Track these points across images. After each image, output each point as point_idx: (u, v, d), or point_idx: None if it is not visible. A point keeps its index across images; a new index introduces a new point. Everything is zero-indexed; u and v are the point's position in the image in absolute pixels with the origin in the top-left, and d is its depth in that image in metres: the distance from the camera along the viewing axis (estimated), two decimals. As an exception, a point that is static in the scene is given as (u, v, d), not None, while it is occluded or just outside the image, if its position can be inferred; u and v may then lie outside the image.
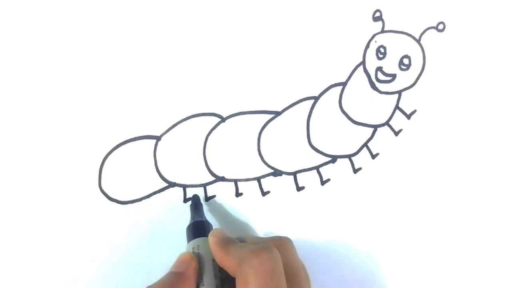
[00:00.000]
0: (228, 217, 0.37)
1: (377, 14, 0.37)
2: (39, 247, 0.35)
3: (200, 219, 0.35)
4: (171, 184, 0.37)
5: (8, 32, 0.33)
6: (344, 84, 0.37)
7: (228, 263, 0.30)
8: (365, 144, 0.38)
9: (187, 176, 0.37)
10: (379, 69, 0.38)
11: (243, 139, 0.37)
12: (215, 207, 0.37)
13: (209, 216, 0.37)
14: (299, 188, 0.38)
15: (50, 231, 0.35)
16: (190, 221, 0.35)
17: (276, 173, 0.38)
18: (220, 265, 0.32)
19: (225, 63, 0.36)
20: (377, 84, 0.38)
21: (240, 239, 0.33)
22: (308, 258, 0.39)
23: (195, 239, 0.33)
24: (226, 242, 0.32)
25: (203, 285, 0.31)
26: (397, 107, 0.38)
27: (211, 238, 0.32)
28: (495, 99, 0.39)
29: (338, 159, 0.38)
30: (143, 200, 0.36)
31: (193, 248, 0.33)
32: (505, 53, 0.38)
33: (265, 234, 0.38)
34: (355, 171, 0.38)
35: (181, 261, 0.32)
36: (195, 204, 0.36)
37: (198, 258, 0.32)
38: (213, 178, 0.37)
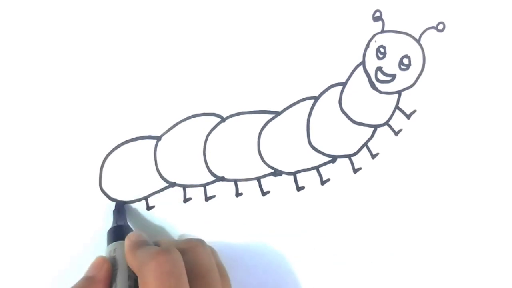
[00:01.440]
0: (228, 217, 0.37)
1: (377, 14, 0.37)
2: (39, 247, 0.35)
3: (121, 224, 0.35)
4: (171, 184, 0.37)
5: (8, 32, 0.33)
6: (344, 84, 0.37)
7: (133, 265, 0.31)
8: (365, 144, 0.38)
9: (187, 176, 0.37)
10: (379, 69, 0.38)
11: (243, 139, 0.37)
12: (215, 207, 0.37)
13: (209, 216, 0.37)
14: (299, 188, 0.38)
15: (50, 231, 0.35)
16: (112, 225, 0.35)
17: (276, 173, 0.38)
18: (131, 268, 0.32)
19: (225, 63, 0.36)
20: (377, 84, 0.38)
21: (156, 242, 0.34)
22: (308, 258, 0.39)
23: (113, 243, 0.34)
24: (138, 246, 0.32)
25: (115, 286, 0.32)
26: (397, 107, 0.38)
27: (126, 241, 0.33)
28: (495, 99, 0.39)
29: (338, 159, 0.38)
30: (143, 200, 0.36)
31: (110, 251, 0.33)
32: (505, 53, 0.38)
33: (266, 234, 0.38)
34: (355, 171, 0.38)
35: (93, 265, 0.33)
36: (118, 208, 0.36)
37: (113, 261, 0.33)
38: (213, 178, 0.37)
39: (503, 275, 0.40)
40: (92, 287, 0.32)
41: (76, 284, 0.32)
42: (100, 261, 0.33)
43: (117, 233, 0.34)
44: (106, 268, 0.32)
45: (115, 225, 0.35)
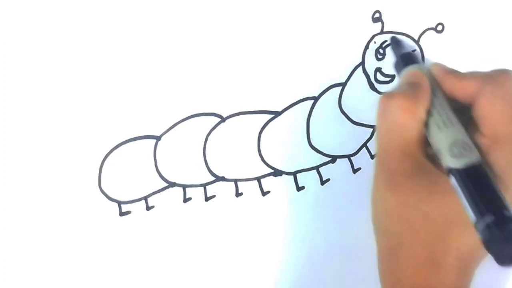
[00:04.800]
0: (228, 217, 0.37)
1: (377, 15, 0.37)
2: (39, 247, 0.35)
3: (406, 51, 0.35)
4: (171, 184, 0.37)
5: (8, 32, 0.33)
6: (343, 85, 0.37)
7: (465, 85, 0.30)
8: (365, 144, 0.38)
9: (187, 176, 0.37)
10: (378, 70, 0.38)
11: (243, 139, 0.37)
12: (215, 207, 0.37)
13: (209, 216, 0.37)
14: (299, 188, 0.38)
15: (50, 231, 0.35)
16: (396, 55, 0.35)
17: (276, 173, 0.38)
18: (450, 91, 0.31)
19: (225, 63, 0.36)
20: (376, 85, 0.38)
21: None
22: (308, 257, 0.39)
23: (411, 66, 0.33)
24: (454, 69, 0.31)
25: (437, 98, 0.31)
26: (396, 107, 0.38)
27: (435, 66, 0.32)
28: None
29: (338, 159, 0.38)
30: (143, 200, 0.36)
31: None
32: (504, 54, 0.38)
33: (265, 234, 0.38)
34: (355, 171, 0.38)
35: (412, 74, 0.32)
36: (396, 41, 0.35)
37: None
38: (213, 178, 0.37)
39: (502, 275, 0.40)
40: (420, 92, 0.30)
41: (400, 87, 0.31)
42: (417, 71, 0.32)
43: (407, 59, 0.34)
44: (426, 79, 0.31)
45: (402, 53, 0.34)
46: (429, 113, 0.31)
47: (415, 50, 0.35)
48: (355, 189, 0.38)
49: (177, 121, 0.36)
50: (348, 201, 0.38)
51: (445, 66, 0.33)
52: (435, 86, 0.32)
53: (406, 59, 0.35)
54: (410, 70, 0.33)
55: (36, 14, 0.33)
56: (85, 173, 0.35)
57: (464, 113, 0.31)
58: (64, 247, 0.35)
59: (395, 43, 0.36)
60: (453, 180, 0.28)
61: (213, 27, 0.35)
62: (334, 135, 0.38)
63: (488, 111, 0.29)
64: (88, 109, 0.35)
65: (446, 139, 0.30)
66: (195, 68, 0.36)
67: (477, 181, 0.27)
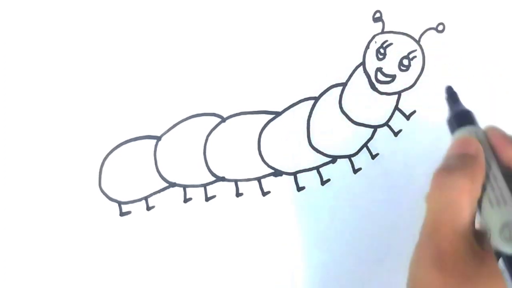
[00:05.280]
0: (228, 217, 0.37)
1: (377, 15, 0.37)
2: (39, 247, 0.35)
3: (463, 109, 0.31)
4: (171, 184, 0.37)
5: (8, 32, 0.33)
6: (344, 85, 0.37)
7: None
8: (365, 145, 0.38)
9: (188, 176, 0.37)
10: (379, 69, 0.38)
11: (244, 139, 0.37)
12: (215, 207, 0.37)
13: (209, 216, 0.37)
14: (300, 188, 0.38)
15: (50, 231, 0.35)
16: (450, 113, 0.31)
17: (277, 173, 0.38)
18: (508, 163, 0.29)
19: (226, 63, 0.36)
20: (377, 85, 0.38)
21: None
22: (308, 257, 0.39)
23: (465, 127, 0.30)
24: (509, 136, 0.29)
25: (491, 169, 0.28)
26: (396, 107, 0.38)
27: (491, 130, 0.29)
28: (494, 99, 0.39)
29: (338, 159, 0.38)
30: (143, 200, 0.36)
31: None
32: (504, 53, 0.38)
33: (266, 234, 0.38)
34: (355, 171, 0.38)
35: (466, 142, 0.29)
36: (451, 94, 0.32)
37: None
38: (214, 178, 0.37)
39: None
40: (477, 167, 0.28)
41: (457, 161, 0.28)
42: (472, 140, 0.29)
43: (462, 118, 0.30)
44: (481, 149, 0.29)
45: (458, 109, 0.31)
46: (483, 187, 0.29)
47: (468, 110, 0.32)
48: (355, 189, 0.38)
49: (177, 121, 0.36)
50: (348, 201, 0.38)
51: (504, 132, 0.30)
52: (490, 154, 0.29)
53: (463, 118, 0.31)
54: (464, 137, 0.30)
55: (36, 14, 0.33)
56: (85, 173, 0.35)
57: None
58: (64, 247, 0.35)
59: (452, 97, 0.32)
60: (501, 264, 0.27)
61: (214, 28, 0.35)
62: (335, 135, 0.38)
63: None
64: (88, 110, 0.35)
65: (498, 219, 0.28)
66: (196, 69, 0.36)
67: None
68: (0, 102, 0.34)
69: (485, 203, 0.28)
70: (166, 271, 0.37)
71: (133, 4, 0.34)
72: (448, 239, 0.28)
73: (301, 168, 0.38)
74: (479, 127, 0.30)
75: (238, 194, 0.37)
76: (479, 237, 0.28)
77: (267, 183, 0.38)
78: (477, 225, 0.29)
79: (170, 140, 0.36)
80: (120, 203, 0.36)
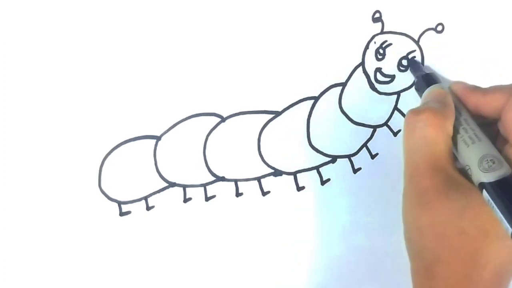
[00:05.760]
0: (228, 217, 0.37)
1: (377, 15, 0.37)
2: (39, 247, 0.35)
3: (428, 72, 0.35)
4: (171, 184, 0.37)
5: (8, 32, 0.33)
6: (343, 85, 0.37)
7: (489, 100, 0.31)
8: (365, 144, 0.38)
9: (187, 176, 0.37)
10: (378, 70, 0.38)
11: (243, 139, 0.37)
12: (215, 207, 0.37)
13: (209, 216, 0.37)
14: (299, 188, 0.38)
15: (50, 231, 0.35)
16: (416, 76, 0.36)
17: (276, 173, 0.38)
18: (475, 108, 0.32)
19: (225, 63, 0.36)
20: (376, 85, 0.38)
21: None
22: (308, 257, 0.39)
23: (431, 87, 0.34)
24: (476, 86, 0.32)
25: (461, 115, 0.31)
26: (396, 107, 0.38)
27: (455, 85, 0.33)
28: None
29: (338, 159, 0.38)
30: (143, 200, 0.36)
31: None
32: (504, 53, 0.38)
33: (266, 234, 0.38)
34: (355, 171, 0.38)
35: (437, 93, 0.32)
36: (413, 63, 0.36)
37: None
38: (213, 178, 0.37)
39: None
40: (447, 109, 0.31)
41: (427, 104, 0.31)
42: (442, 91, 0.32)
43: (429, 80, 0.35)
44: (450, 97, 0.32)
45: (422, 74, 0.35)
46: (455, 131, 0.31)
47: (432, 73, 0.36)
48: (355, 189, 0.38)
49: (177, 121, 0.36)
50: (348, 201, 0.38)
51: (466, 83, 0.33)
52: (459, 103, 0.33)
53: (427, 79, 0.35)
54: (433, 90, 0.33)
55: (36, 14, 0.33)
56: (85, 173, 0.35)
57: (490, 128, 0.32)
58: (64, 247, 0.35)
59: (414, 64, 0.36)
60: (485, 194, 0.28)
61: (214, 28, 0.35)
62: (334, 135, 0.38)
63: None
64: (88, 109, 0.35)
65: (475, 155, 0.30)
66: (195, 68, 0.36)
67: (510, 192, 0.28)
68: (0, 102, 0.34)
69: (461, 145, 0.31)
70: (166, 271, 0.37)
71: (133, 4, 0.34)
72: (428, 176, 0.29)
73: (301, 168, 0.38)
74: (443, 84, 0.33)
75: (238, 194, 0.37)
76: (463, 175, 0.30)
77: (267, 183, 0.38)
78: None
79: (170, 140, 0.36)
80: (119, 203, 0.36)
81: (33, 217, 0.35)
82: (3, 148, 0.34)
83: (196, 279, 0.38)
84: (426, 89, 0.35)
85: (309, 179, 0.38)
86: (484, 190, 0.29)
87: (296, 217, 0.38)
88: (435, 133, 0.30)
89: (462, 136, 0.31)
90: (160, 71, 0.35)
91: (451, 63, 0.38)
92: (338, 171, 0.38)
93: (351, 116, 0.38)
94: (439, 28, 0.38)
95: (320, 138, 0.38)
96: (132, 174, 0.36)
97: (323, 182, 0.38)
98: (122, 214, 0.36)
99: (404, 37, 0.38)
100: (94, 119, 0.35)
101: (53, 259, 0.35)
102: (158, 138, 0.36)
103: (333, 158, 0.38)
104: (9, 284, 0.35)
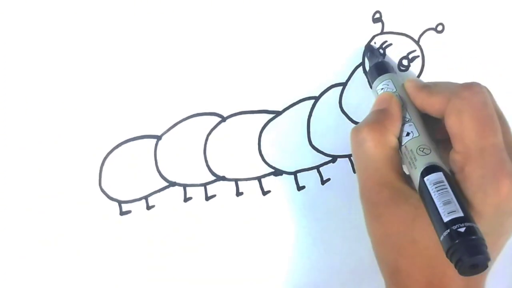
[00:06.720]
0: (228, 216, 0.37)
1: (377, 15, 0.37)
2: (39, 246, 0.35)
3: (381, 60, 0.35)
4: (172, 184, 0.37)
5: (8, 32, 0.33)
6: (344, 85, 0.37)
7: (433, 101, 0.31)
8: (365, 144, 0.38)
9: (188, 175, 0.37)
10: (379, 70, 0.38)
11: (244, 138, 0.37)
12: (215, 206, 0.37)
13: (209, 216, 0.37)
14: (300, 188, 0.38)
15: (50, 230, 0.35)
16: (370, 64, 0.36)
17: (277, 172, 0.38)
18: (421, 107, 0.32)
19: (226, 62, 0.36)
20: (377, 85, 0.38)
21: (433, 84, 0.33)
22: (308, 257, 0.39)
23: (381, 77, 0.34)
24: (425, 85, 0.32)
25: (408, 119, 0.31)
26: (396, 107, 0.38)
27: (408, 82, 0.33)
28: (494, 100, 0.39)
29: (338, 159, 0.38)
30: (143, 200, 0.36)
31: (379, 88, 0.34)
32: (504, 53, 0.38)
33: (266, 234, 0.38)
34: (355, 170, 0.38)
35: (380, 100, 0.32)
36: (371, 49, 0.36)
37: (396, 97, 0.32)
38: (214, 178, 0.37)
39: (501, 275, 0.40)
40: (388, 118, 0.31)
41: (369, 117, 0.31)
42: (387, 95, 0.32)
43: (380, 68, 0.34)
44: (395, 102, 0.32)
45: (376, 62, 0.35)
46: (401, 133, 0.31)
47: (383, 61, 0.36)
48: (355, 189, 0.38)
49: (177, 120, 0.36)
50: (348, 201, 0.38)
51: (418, 81, 0.33)
52: (408, 100, 0.33)
53: (378, 68, 0.35)
54: (380, 94, 0.33)
55: (36, 14, 0.33)
56: (85, 172, 0.35)
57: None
58: (64, 247, 0.35)
59: (370, 52, 0.36)
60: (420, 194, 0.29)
61: (214, 27, 0.35)
62: (335, 134, 0.38)
63: (457, 128, 0.29)
64: (88, 109, 0.35)
65: (413, 146, 0.30)
66: (196, 68, 0.36)
67: (439, 189, 0.28)
68: (0, 102, 0.34)
69: (403, 149, 0.31)
70: (166, 270, 0.37)
71: (133, 3, 0.34)
72: (375, 191, 0.30)
73: (301, 168, 0.38)
74: (395, 75, 0.34)
75: (238, 194, 0.37)
76: (412, 186, 0.30)
77: (267, 182, 0.38)
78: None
79: (171, 139, 0.36)
80: (120, 202, 0.36)
81: (33, 216, 0.35)
82: (4, 147, 0.34)
83: (196, 278, 0.38)
84: (376, 78, 0.35)
85: (309, 179, 0.38)
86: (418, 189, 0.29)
87: (296, 216, 0.38)
88: (376, 149, 0.30)
89: (405, 141, 0.31)
90: (161, 71, 0.35)
91: (451, 63, 0.38)
92: (338, 170, 0.38)
93: (351, 116, 0.38)
94: (439, 28, 0.38)
95: (321, 138, 0.38)
96: (132, 173, 0.36)
97: (323, 182, 0.38)
98: (122, 213, 0.36)
99: (404, 37, 0.38)
100: (95, 118, 0.35)
101: (53, 259, 0.35)
102: (158, 138, 0.36)
103: (334, 158, 0.38)
104: (9, 284, 0.35)
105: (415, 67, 0.38)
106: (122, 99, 0.35)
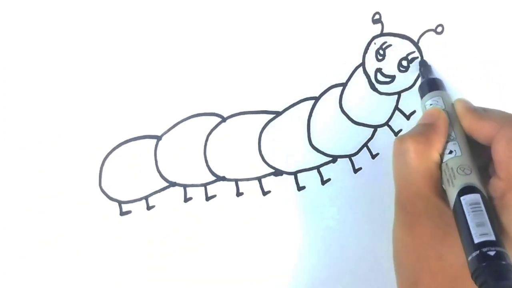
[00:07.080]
0: (228, 216, 0.37)
1: (377, 16, 0.37)
2: (39, 246, 0.35)
3: (433, 77, 0.36)
4: (172, 184, 0.36)
5: (8, 32, 0.33)
6: (344, 85, 0.38)
7: (483, 125, 0.31)
8: (365, 144, 0.38)
9: (188, 175, 0.37)
10: (379, 70, 0.38)
11: (244, 139, 0.37)
12: (215, 206, 0.37)
13: (209, 216, 0.37)
14: (300, 188, 0.38)
15: (50, 231, 0.35)
16: (422, 79, 0.36)
17: (277, 172, 0.38)
18: (468, 129, 0.32)
19: (226, 63, 0.36)
20: (377, 85, 0.38)
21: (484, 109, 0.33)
22: (308, 257, 0.39)
23: (430, 94, 0.34)
24: (476, 108, 0.32)
25: (453, 138, 0.31)
26: (396, 107, 0.38)
27: (459, 102, 0.33)
28: (493, 101, 0.39)
29: (339, 159, 0.38)
30: (144, 200, 0.36)
31: (428, 104, 0.34)
32: (504, 54, 0.39)
33: (266, 234, 0.38)
34: (355, 171, 0.38)
35: (429, 114, 0.32)
36: (423, 64, 0.37)
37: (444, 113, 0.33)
38: (214, 178, 0.37)
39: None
40: (433, 133, 0.31)
41: (414, 129, 0.32)
42: (435, 111, 0.32)
43: (432, 85, 0.35)
44: (443, 118, 0.32)
45: (428, 78, 0.36)
46: (444, 153, 0.31)
47: (436, 78, 0.37)
48: (355, 189, 0.38)
49: (178, 121, 0.36)
50: (349, 201, 0.38)
51: (469, 102, 0.33)
52: (456, 121, 0.33)
53: (430, 84, 0.36)
54: (429, 109, 0.34)
55: (36, 14, 0.34)
56: (85, 172, 0.35)
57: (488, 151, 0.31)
58: (64, 247, 0.35)
59: (424, 67, 0.37)
60: (454, 213, 0.29)
61: (214, 28, 0.35)
62: (335, 135, 0.38)
63: (504, 156, 0.29)
64: (88, 109, 0.35)
65: (454, 166, 0.30)
66: (196, 68, 0.36)
67: (474, 210, 0.28)
68: (0, 102, 0.34)
69: (444, 168, 0.31)
70: (167, 270, 0.37)
71: (133, 3, 0.34)
72: (411, 202, 0.30)
73: (302, 168, 0.38)
74: (446, 93, 0.34)
75: (239, 194, 0.37)
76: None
77: (267, 182, 0.38)
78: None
79: (171, 139, 0.36)
80: (120, 203, 0.36)
81: (33, 216, 0.35)
82: (4, 147, 0.34)
83: (196, 278, 0.37)
84: (427, 93, 0.35)
85: (309, 179, 0.38)
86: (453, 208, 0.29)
87: (296, 216, 0.38)
88: (418, 162, 0.31)
89: (447, 158, 0.31)
90: (161, 71, 0.35)
91: (451, 64, 0.38)
92: (338, 171, 0.38)
93: (351, 116, 0.38)
94: (439, 29, 0.38)
95: (321, 138, 0.38)
96: (132, 173, 0.36)
97: (323, 182, 0.38)
98: (122, 213, 0.36)
99: (404, 38, 0.38)
100: (95, 119, 0.35)
101: (53, 259, 0.35)
102: (158, 138, 0.36)
103: (334, 158, 0.38)
104: (9, 284, 0.35)
105: (414, 68, 0.38)
106: (122, 100, 0.35)
